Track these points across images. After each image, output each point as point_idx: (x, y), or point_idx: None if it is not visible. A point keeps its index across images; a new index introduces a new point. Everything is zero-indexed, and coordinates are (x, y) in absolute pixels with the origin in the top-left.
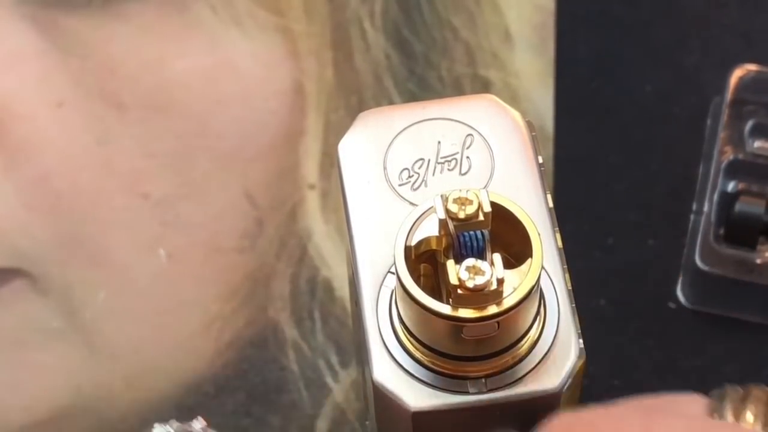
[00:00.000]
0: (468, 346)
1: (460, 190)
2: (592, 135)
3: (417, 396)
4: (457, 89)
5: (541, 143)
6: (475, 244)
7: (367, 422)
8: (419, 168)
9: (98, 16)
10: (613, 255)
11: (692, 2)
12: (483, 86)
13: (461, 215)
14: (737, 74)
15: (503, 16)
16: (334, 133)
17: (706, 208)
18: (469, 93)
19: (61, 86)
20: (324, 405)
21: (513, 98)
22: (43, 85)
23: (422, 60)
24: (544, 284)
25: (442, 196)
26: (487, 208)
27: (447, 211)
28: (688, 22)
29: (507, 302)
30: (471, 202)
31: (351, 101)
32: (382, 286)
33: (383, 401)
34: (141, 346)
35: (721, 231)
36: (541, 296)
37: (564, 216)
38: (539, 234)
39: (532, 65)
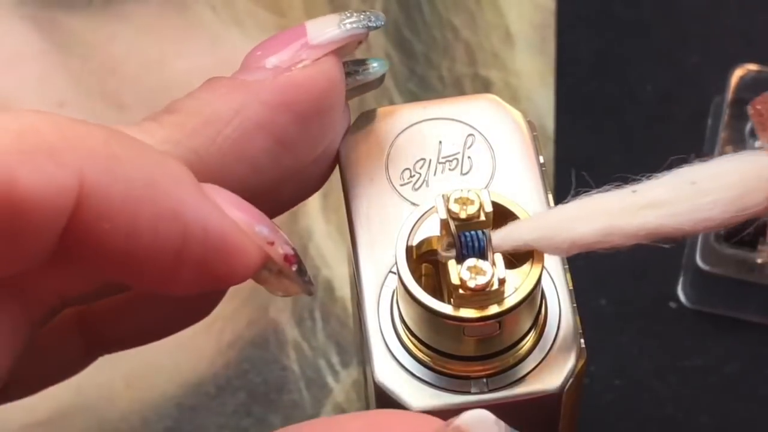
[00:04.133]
0: (469, 346)
1: (462, 190)
2: (593, 135)
3: (418, 396)
4: (457, 89)
5: (542, 143)
6: (476, 243)
7: None
8: (420, 168)
9: (99, 16)
10: (613, 255)
11: (692, 2)
12: (484, 86)
13: (463, 215)
14: (737, 74)
15: (504, 16)
16: None
17: None
18: (470, 93)
19: (61, 86)
20: (325, 405)
21: (514, 98)
22: (44, 85)
23: (423, 60)
24: (545, 284)
25: (443, 195)
26: (489, 208)
27: (448, 210)
28: (688, 22)
29: (508, 302)
30: (472, 202)
31: (351, 101)
32: (384, 286)
33: (384, 401)
34: (141, 346)
35: (722, 231)
36: (543, 296)
37: None
38: None
39: (533, 65)
